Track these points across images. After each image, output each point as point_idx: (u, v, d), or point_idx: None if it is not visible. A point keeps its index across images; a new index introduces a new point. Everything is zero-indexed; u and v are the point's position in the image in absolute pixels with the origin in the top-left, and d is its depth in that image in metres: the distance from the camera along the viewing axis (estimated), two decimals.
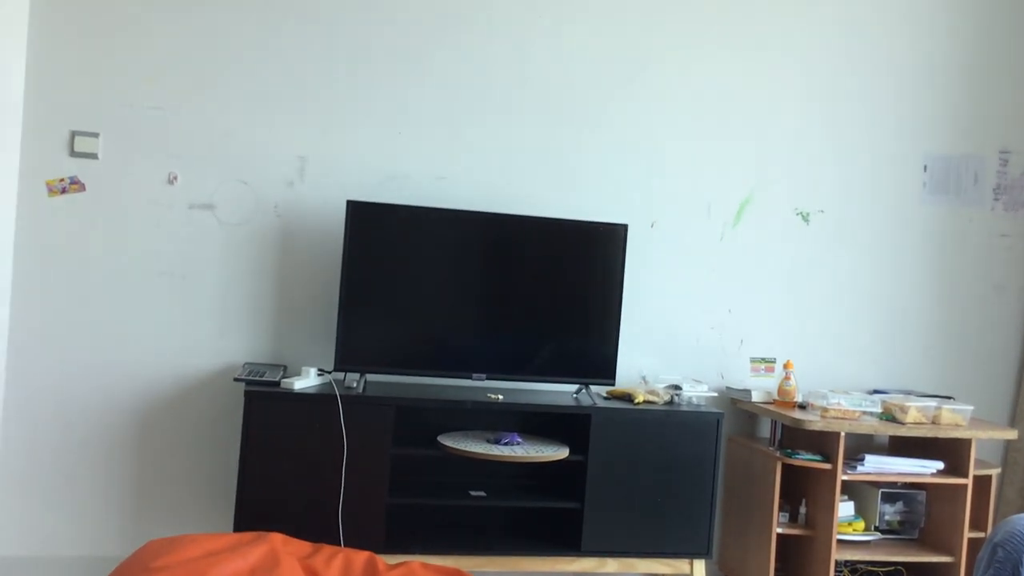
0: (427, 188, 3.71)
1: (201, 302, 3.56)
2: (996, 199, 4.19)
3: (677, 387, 3.66)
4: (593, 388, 3.72)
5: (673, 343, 3.93)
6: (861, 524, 3.68)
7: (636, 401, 3.55)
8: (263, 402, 3.21)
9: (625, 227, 3.64)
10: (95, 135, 3.46)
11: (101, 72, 3.47)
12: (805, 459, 3.53)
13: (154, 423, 3.54)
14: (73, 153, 3.46)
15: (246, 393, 3.20)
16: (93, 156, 3.47)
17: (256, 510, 3.19)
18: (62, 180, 3.45)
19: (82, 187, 3.47)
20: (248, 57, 3.57)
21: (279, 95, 3.59)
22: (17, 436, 3.45)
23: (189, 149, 3.54)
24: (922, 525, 3.79)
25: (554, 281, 3.59)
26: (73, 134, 3.45)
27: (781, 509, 3.62)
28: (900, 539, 3.78)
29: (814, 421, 3.47)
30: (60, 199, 3.45)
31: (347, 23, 3.63)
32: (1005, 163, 4.18)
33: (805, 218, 4.04)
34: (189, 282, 3.55)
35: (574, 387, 3.77)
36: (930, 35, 4.10)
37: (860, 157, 4.07)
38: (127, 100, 3.49)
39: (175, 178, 3.53)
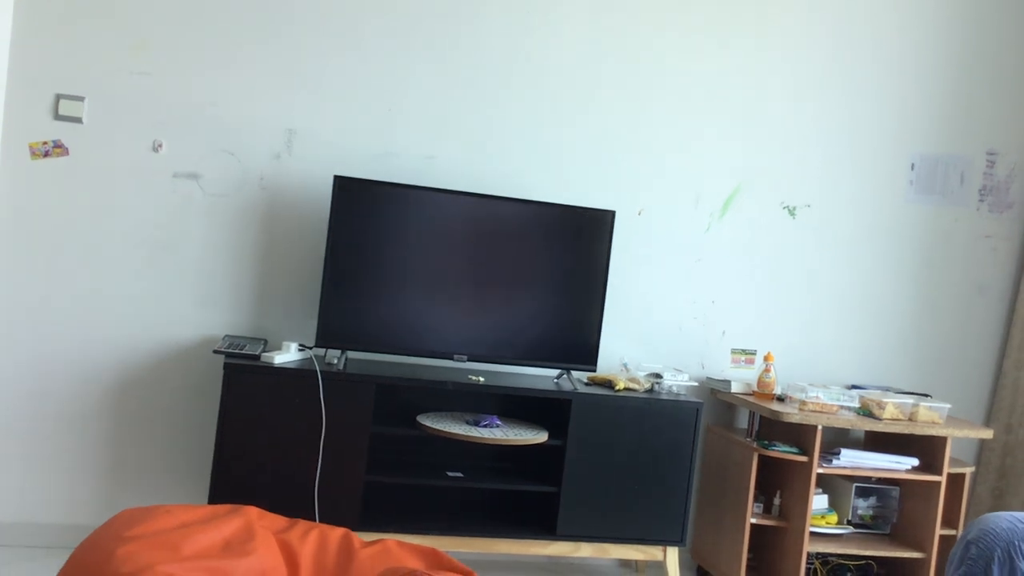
0: (416, 166, 3.69)
1: (182, 272, 3.53)
2: (982, 200, 4.21)
3: (658, 375, 3.67)
4: (574, 373, 3.73)
5: (656, 331, 3.94)
6: (834, 517, 3.71)
7: (617, 388, 3.55)
8: (242, 375, 3.18)
9: (612, 213, 3.64)
10: (80, 99, 3.41)
11: (88, 35, 3.42)
12: (782, 451, 3.55)
13: (132, 393, 3.51)
14: (57, 116, 3.41)
15: (225, 366, 3.17)
16: (78, 120, 3.42)
17: (232, 483, 3.18)
18: (45, 143, 3.40)
19: (65, 151, 3.42)
20: (239, 26, 3.52)
21: (269, 66, 3.55)
22: None
23: (175, 117, 3.50)
24: (894, 520, 3.82)
25: (539, 265, 3.58)
26: (58, 97, 3.40)
27: (756, 500, 3.65)
28: (872, 533, 3.81)
29: (792, 414, 3.49)
30: (43, 162, 3.41)
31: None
32: (992, 164, 4.20)
33: (791, 212, 4.04)
34: (171, 251, 3.52)
35: (555, 372, 3.77)
36: (921, 35, 4.11)
37: (848, 153, 4.08)
38: (114, 65, 3.44)
39: (160, 146, 3.49)
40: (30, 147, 3.39)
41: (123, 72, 3.45)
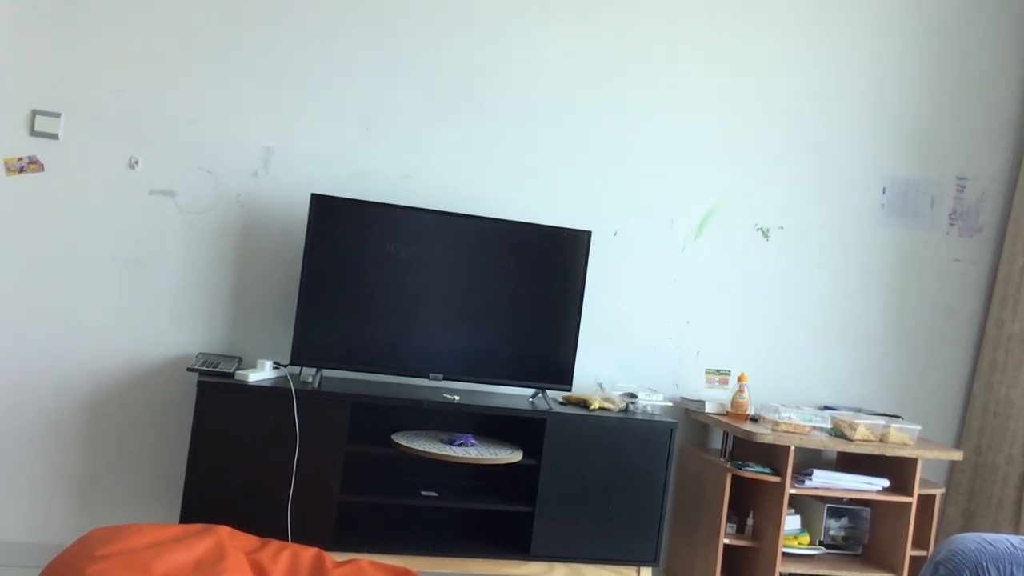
0: (393, 186, 3.70)
1: (157, 289, 3.52)
2: (951, 224, 4.27)
3: (632, 395, 3.68)
4: (549, 393, 3.74)
5: (631, 352, 3.96)
6: (806, 538, 3.73)
7: (591, 408, 3.56)
8: (216, 393, 3.17)
9: (588, 234, 3.66)
10: (57, 115, 3.40)
11: (65, 51, 3.41)
12: (755, 471, 3.57)
13: (104, 410, 3.48)
14: (33, 132, 3.39)
15: (199, 384, 3.16)
16: (54, 136, 3.41)
17: (204, 502, 3.15)
18: (20, 159, 3.39)
19: (41, 167, 3.41)
20: (217, 43, 3.53)
21: (247, 84, 3.56)
22: None
23: (152, 134, 3.49)
24: (866, 541, 3.85)
25: (515, 284, 3.60)
26: (34, 113, 3.39)
27: (729, 520, 3.66)
28: (844, 554, 3.83)
29: (765, 434, 3.51)
30: (18, 178, 3.39)
31: (320, 15, 3.61)
32: (961, 189, 4.27)
33: (765, 234, 4.09)
34: (146, 269, 3.50)
35: (531, 391, 3.78)
36: (892, 61, 4.18)
37: (821, 177, 4.13)
38: (91, 81, 3.43)
39: (136, 162, 3.48)
40: (5, 163, 3.37)
41: (100, 89, 3.44)
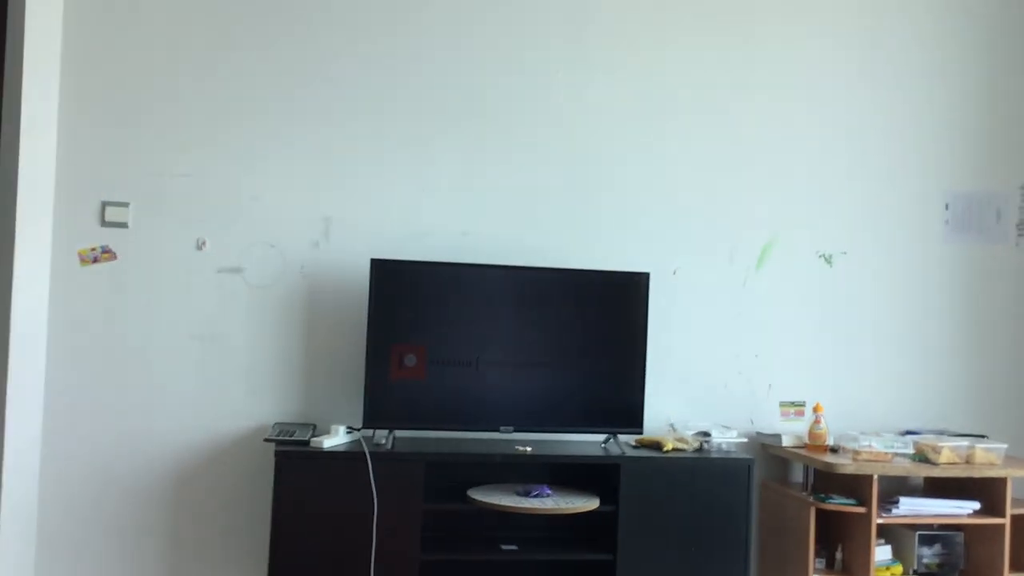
0: (450, 243, 3.75)
1: (231, 364, 3.61)
2: (1020, 235, 4.17)
3: (706, 434, 3.64)
4: (621, 437, 3.71)
5: (701, 389, 3.92)
6: (899, 568, 3.63)
7: (665, 449, 3.53)
8: (293, 461, 3.23)
9: (647, 275, 3.66)
10: (125, 204, 3.54)
11: (130, 142, 3.56)
12: (839, 503, 3.50)
13: (188, 486, 3.57)
14: (104, 223, 3.54)
15: (276, 453, 3.22)
16: (123, 225, 3.55)
17: (290, 569, 3.20)
18: (94, 249, 3.53)
19: (113, 256, 3.54)
20: (272, 121, 3.65)
21: (303, 158, 3.67)
22: (54, 503, 3.49)
23: (217, 214, 3.61)
24: (962, 567, 3.72)
25: (579, 331, 3.61)
26: (104, 204, 3.54)
27: (817, 555, 3.58)
28: None
29: (846, 464, 3.44)
30: (92, 268, 3.53)
31: (368, 84, 3.71)
32: None
33: (828, 260, 4.04)
34: (219, 345, 3.60)
35: (602, 437, 3.76)
36: (949, 73, 4.13)
37: (881, 197, 4.08)
38: (155, 169, 3.57)
39: (204, 243, 3.60)
40: (79, 254, 3.52)
41: (164, 175, 3.58)
